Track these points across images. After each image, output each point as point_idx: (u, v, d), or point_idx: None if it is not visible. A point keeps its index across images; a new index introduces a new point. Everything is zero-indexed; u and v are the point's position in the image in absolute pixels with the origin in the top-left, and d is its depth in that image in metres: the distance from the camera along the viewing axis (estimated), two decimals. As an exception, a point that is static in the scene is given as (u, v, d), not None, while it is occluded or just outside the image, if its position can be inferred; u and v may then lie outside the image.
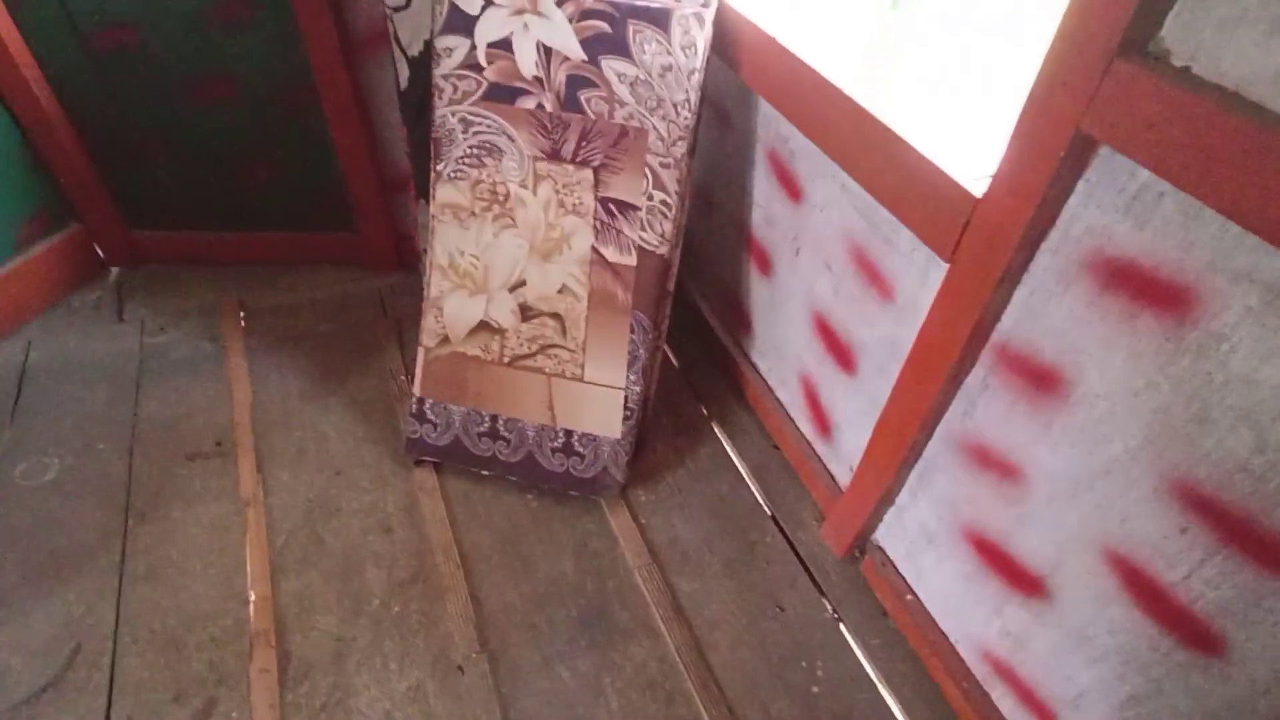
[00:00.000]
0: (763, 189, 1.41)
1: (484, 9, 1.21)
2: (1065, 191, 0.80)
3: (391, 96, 1.62)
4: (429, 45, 1.34)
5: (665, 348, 1.67)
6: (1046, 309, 0.87)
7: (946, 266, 0.96)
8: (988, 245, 0.87)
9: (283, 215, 1.85)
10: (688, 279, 1.85)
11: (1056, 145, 0.75)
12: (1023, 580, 1.02)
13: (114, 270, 1.89)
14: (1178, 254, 0.71)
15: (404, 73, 1.43)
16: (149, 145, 1.70)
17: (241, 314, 1.81)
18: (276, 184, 1.79)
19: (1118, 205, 0.75)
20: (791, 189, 1.32)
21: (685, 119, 1.23)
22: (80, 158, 1.69)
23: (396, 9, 1.35)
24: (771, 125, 1.32)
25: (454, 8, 1.21)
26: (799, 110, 1.17)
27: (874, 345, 1.22)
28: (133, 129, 1.67)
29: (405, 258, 1.94)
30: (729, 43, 1.27)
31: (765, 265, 1.48)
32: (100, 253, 1.87)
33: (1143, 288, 0.75)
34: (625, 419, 1.40)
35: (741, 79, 1.29)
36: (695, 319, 1.82)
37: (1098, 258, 0.79)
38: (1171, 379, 0.75)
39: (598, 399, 1.40)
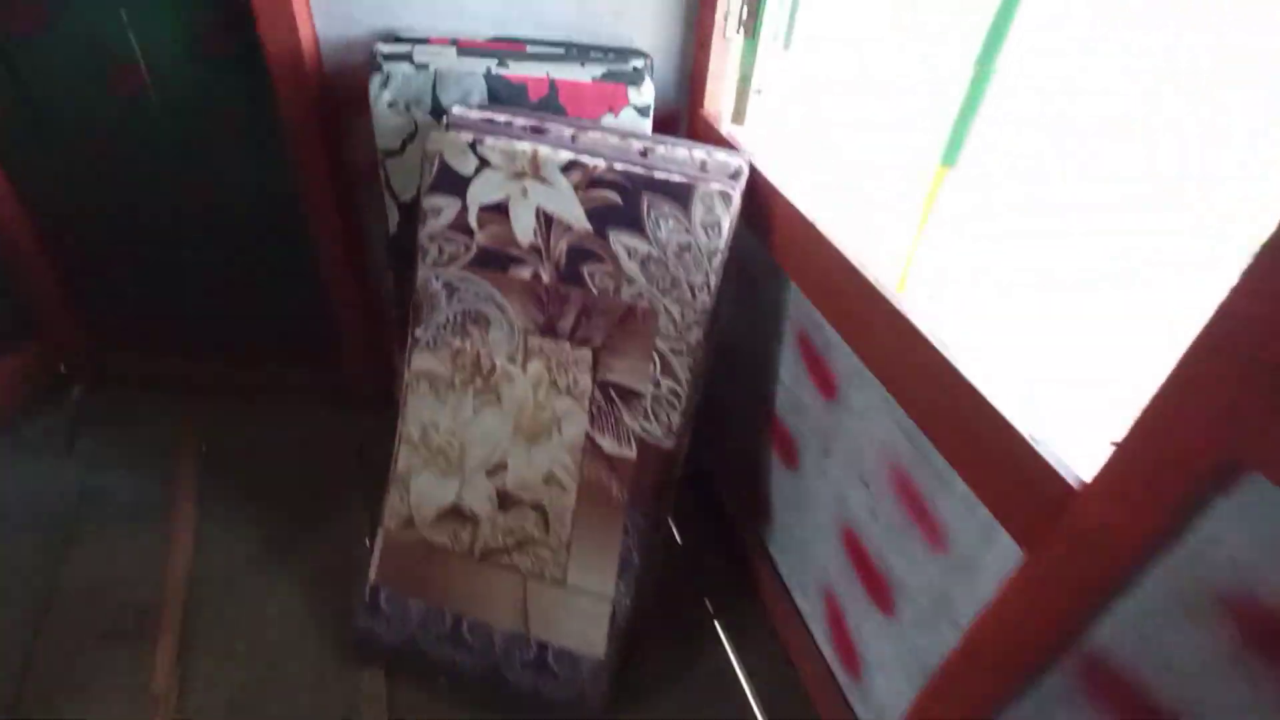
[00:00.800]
0: (791, 371, 1.22)
1: (479, 170, 1.06)
2: (1201, 506, 0.59)
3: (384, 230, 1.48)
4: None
5: (669, 522, 1.45)
6: (1162, 638, 0.65)
7: (1022, 551, 0.75)
8: (1085, 546, 0.66)
9: (262, 344, 1.70)
10: (702, 447, 1.64)
11: (1192, 465, 0.55)
12: None
13: (76, 389, 1.73)
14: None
15: (394, 218, 1.29)
16: (120, 261, 1.57)
17: (203, 449, 1.63)
18: (256, 310, 1.65)
19: (1284, 548, 0.54)
20: (824, 382, 1.13)
21: (703, 302, 1.05)
22: (46, 272, 1.56)
23: (389, 154, 1.21)
24: (804, 306, 1.14)
25: (444, 166, 1.07)
26: (837, 309, 0.99)
27: (917, 591, 0.99)
28: (104, 243, 1.54)
29: (392, 397, 1.76)
30: (760, 216, 1.11)
31: (790, 455, 1.28)
32: (63, 369, 1.72)
33: (1322, 666, 0.53)
34: (611, 636, 1.17)
35: (772, 258, 1.12)
36: (706, 492, 1.60)
37: (1245, 602, 0.57)
38: (1368, 806, 0.52)
39: (580, 609, 1.18)
